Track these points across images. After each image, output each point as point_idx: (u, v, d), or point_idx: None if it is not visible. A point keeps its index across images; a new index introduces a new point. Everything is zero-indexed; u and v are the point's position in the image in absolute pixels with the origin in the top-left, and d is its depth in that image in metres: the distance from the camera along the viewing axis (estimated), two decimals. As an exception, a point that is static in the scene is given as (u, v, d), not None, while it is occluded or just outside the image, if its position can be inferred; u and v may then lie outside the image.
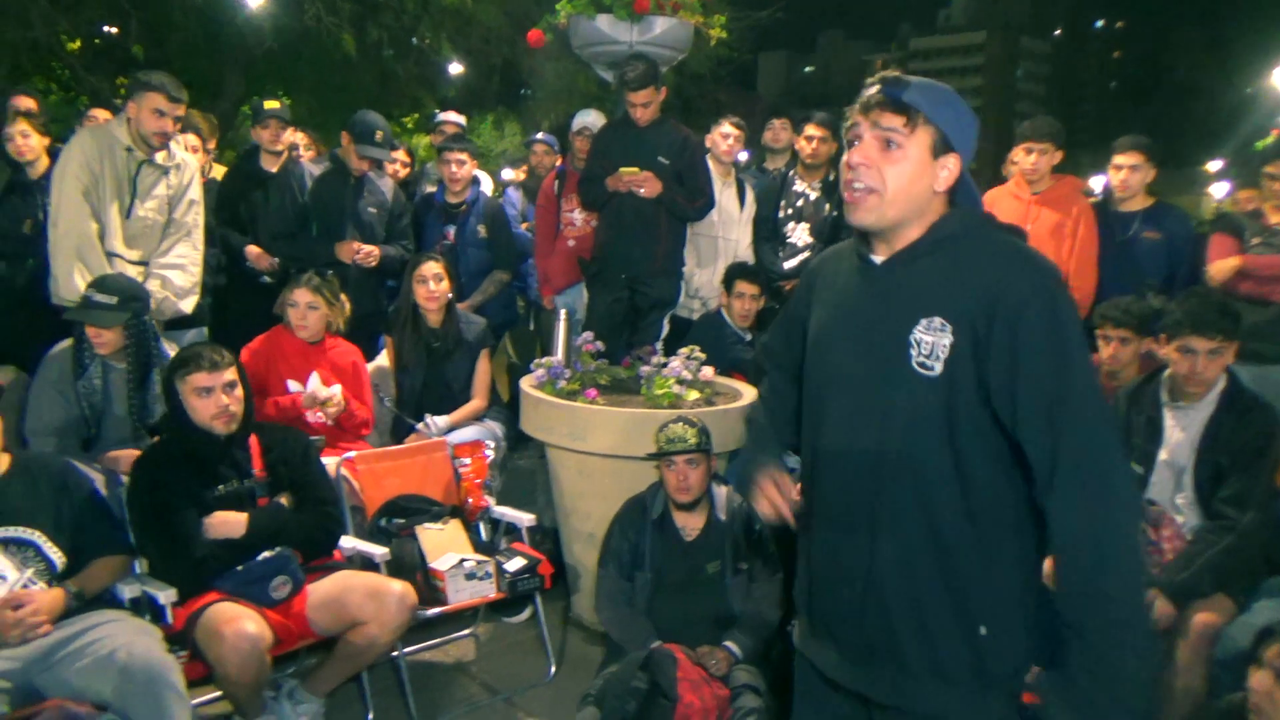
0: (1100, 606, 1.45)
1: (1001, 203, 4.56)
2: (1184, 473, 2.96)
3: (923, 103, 1.56)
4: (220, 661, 2.52)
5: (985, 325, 1.50)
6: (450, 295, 4.10)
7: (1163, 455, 3.01)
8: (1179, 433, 2.98)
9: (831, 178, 4.84)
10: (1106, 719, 1.45)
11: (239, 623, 2.54)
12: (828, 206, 4.79)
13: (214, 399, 2.77)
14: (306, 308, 3.74)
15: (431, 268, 4.04)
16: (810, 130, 4.84)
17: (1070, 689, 1.49)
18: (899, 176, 1.56)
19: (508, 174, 6.64)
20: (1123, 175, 4.32)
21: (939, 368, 1.53)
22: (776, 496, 1.81)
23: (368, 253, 4.35)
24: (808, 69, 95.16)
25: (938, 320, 1.53)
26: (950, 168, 1.58)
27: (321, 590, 2.83)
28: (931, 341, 1.53)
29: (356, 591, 2.80)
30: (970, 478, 1.54)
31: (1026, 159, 4.41)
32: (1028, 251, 1.58)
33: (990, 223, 1.64)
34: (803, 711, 1.87)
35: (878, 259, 1.65)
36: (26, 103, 5.21)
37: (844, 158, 1.64)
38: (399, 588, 2.82)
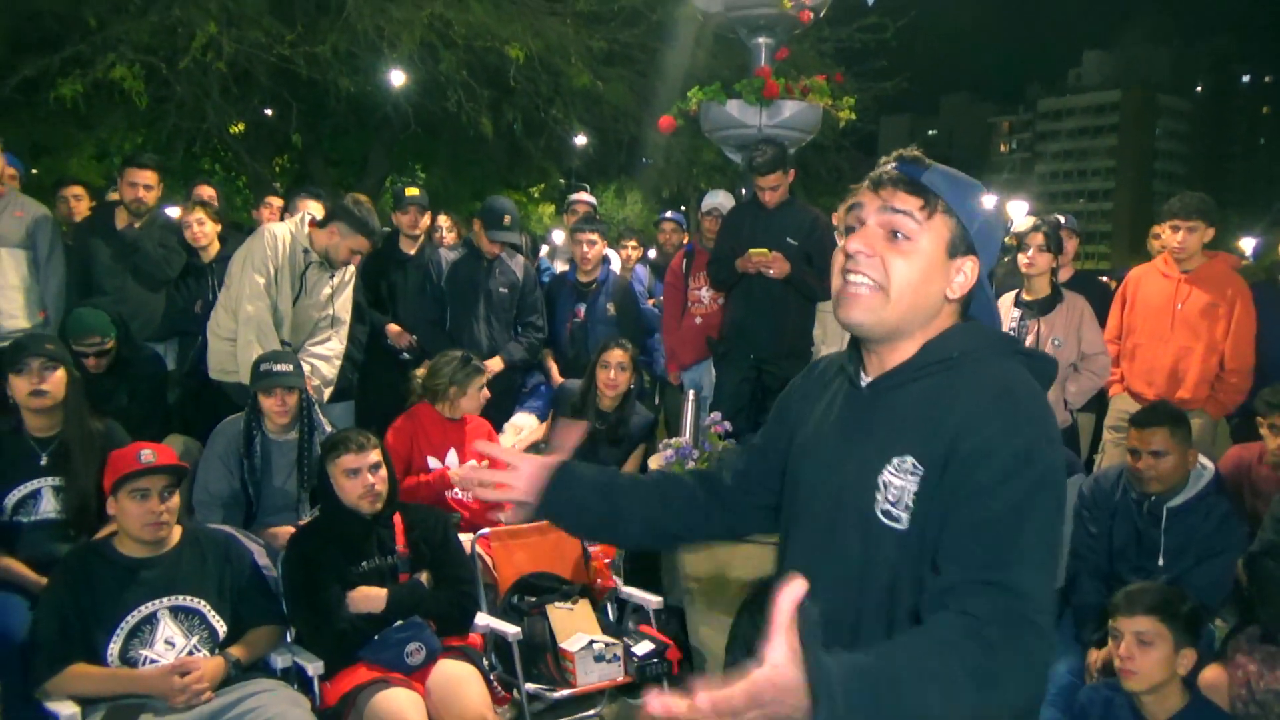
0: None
1: (1149, 281, 4.39)
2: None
3: (945, 188, 1.31)
4: None
5: (943, 470, 1.23)
6: (631, 386, 4.20)
7: (1340, 559, 2.80)
8: (1358, 536, 2.77)
9: None
10: None
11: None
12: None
13: (360, 479, 2.93)
14: (481, 401, 3.91)
15: (617, 355, 4.14)
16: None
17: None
18: (907, 271, 1.30)
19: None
20: None
21: (906, 519, 1.26)
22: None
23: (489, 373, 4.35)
24: (931, 132, 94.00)
25: (910, 460, 1.26)
26: (967, 272, 1.33)
27: (448, 668, 2.89)
28: (900, 486, 1.26)
29: (477, 686, 2.84)
30: None
31: (1174, 237, 4.24)
32: (1025, 389, 1.28)
33: (1003, 345, 1.37)
34: None
35: (865, 378, 1.40)
36: (208, 192, 5.71)
37: (841, 244, 1.37)
38: None
